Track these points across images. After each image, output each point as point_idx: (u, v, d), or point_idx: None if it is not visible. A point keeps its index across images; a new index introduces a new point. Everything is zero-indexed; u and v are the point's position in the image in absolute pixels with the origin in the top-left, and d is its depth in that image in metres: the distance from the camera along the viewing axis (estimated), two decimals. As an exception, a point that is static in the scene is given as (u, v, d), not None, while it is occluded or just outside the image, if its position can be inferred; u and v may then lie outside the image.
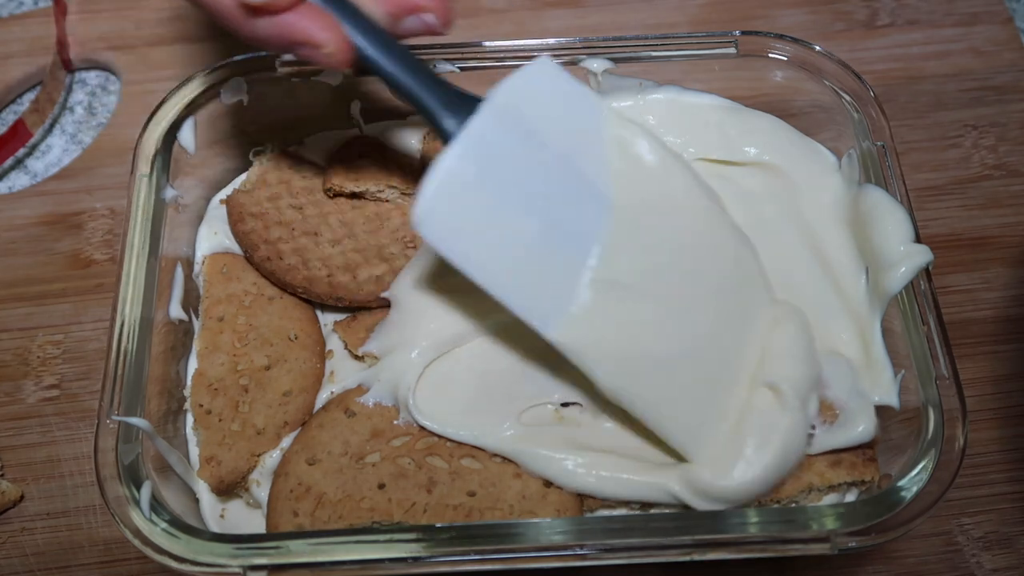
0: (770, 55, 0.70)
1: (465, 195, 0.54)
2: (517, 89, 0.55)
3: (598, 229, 0.57)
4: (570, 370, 0.62)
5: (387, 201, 0.70)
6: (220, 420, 0.62)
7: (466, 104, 0.55)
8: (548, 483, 0.59)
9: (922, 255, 0.60)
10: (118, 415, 0.57)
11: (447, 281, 0.65)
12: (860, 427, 0.59)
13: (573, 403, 0.62)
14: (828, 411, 0.60)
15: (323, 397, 0.64)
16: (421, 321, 0.63)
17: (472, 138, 0.53)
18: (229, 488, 0.62)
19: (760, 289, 0.61)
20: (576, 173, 0.56)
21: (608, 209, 0.57)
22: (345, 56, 0.53)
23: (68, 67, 0.86)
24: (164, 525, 0.55)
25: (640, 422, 0.58)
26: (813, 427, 0.59)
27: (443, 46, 0.69)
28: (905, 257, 0.60)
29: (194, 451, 0.63)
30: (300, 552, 0.54)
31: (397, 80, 0.55)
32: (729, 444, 0.57)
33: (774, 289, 0.63)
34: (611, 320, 0.56)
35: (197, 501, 0.62)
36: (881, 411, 0.61)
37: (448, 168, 0.53)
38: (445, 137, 0.54)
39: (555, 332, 0.56)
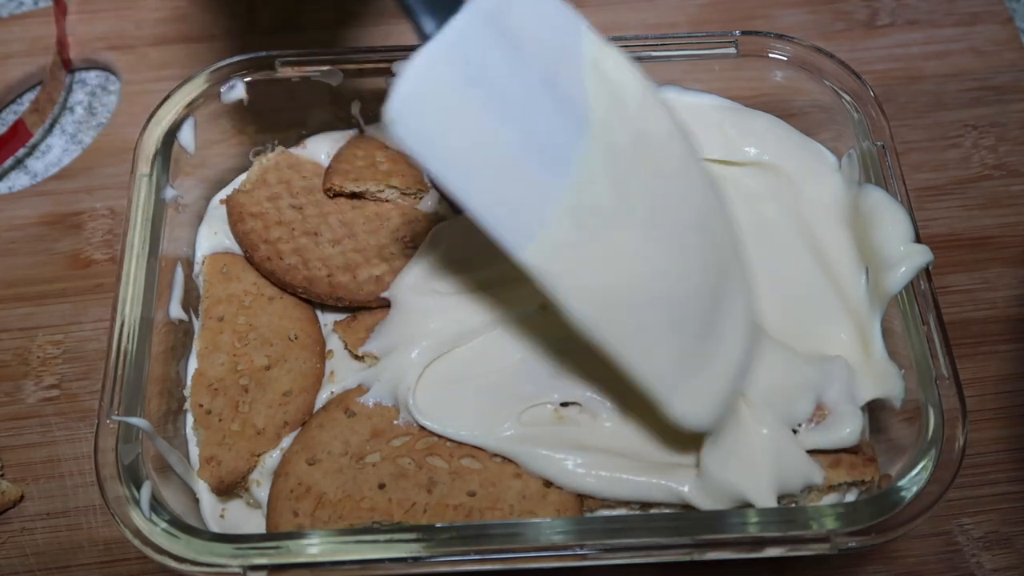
0: (770, 55, 0.70)
1: (442, 96, 0.50)
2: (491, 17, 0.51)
3: (577, 152, 0.53)
4: (570, 370, 0.62)
5: (387, 201, 0.70)
6: (220, 420, 0.62)
7: (449, 4, 0.50)
8: (548, 483, 0.59)
9: (922, 255, 0.60)
10: (118, 415, 0.57)
11: (447, 281, 0.65)
12: (846, 430, 0.59)
13: (573, 403, 0.62)
14: (819, 411, 0.60)
15: (323, 397, 0.64)
16: (421, 321, 0.63)
17: (453, 37, 0.50)
18: (229, 488, 0.62)
19: (731, 243, 0.58)
20: (557, 91, 0.53)
21: (587, 133, 0.53)
22: None
23: (68, 67, 0.86)
24: (164, 525, 0.55)
25: (613, 364, 0.55)
26: (799, 425, 0.60)
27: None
28: (905, 257, 0.60)
29: (194, 451, 0.63)
30: (300, 552, 0.54)
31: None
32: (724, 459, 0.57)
33: (775, 288, 0.64)
34: (586, 247, 0.53)
35: (197, 501, 0.62)
36: (880, 412, 0.61)
37: (426, 65, 0.49)
38: (424, 35, 0.50)
39: (528, 254, 0.53)
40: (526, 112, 0.52)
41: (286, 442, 0.62)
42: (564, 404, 0.62)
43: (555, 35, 0.53)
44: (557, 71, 0.53)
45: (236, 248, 0.69)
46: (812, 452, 0.59)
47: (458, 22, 0.50)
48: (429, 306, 0.63)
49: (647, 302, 0.54)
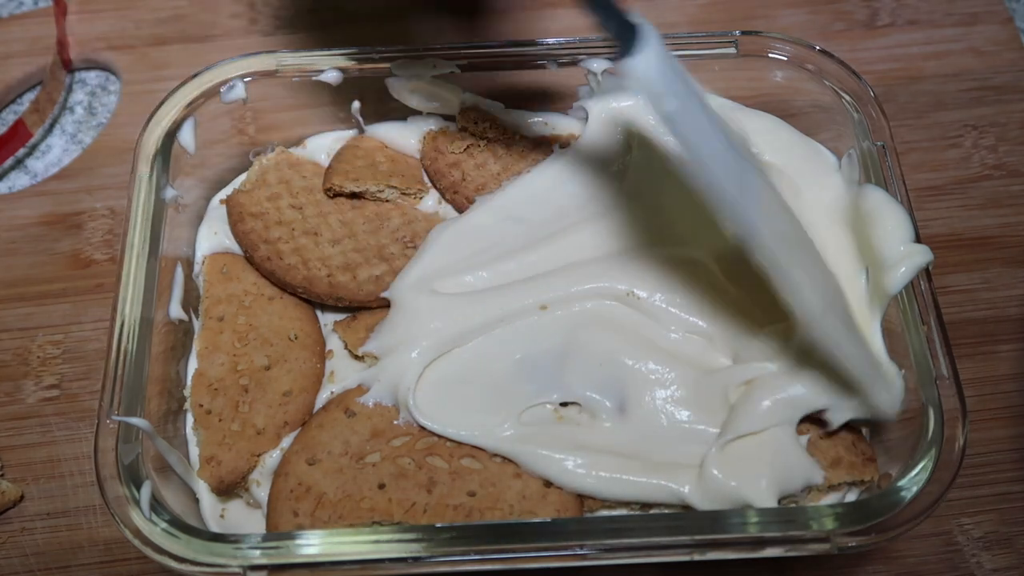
0: (770, 55, 0.70)
1: (672, 76, 0.54)
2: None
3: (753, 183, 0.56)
4: (571, 370, 0.62)
5: (387, 201, 0.70)
6: (220, 420, 0.62)
7: (630, 27, 0.55)
8: (548, 483, 0.59)
9: (922, 255, 0.60)
10: (118, 415, 0.57)
11: (447, 281, 0.65)
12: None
13: (573, 403, 0.62)
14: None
15: (323, 397, 0.64)
16: (421, 321, 0.63)
17: (660, 45, 0.54)
18: (229, 488, 0.62)
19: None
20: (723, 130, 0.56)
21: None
22: None
23: (68, 67, 0.86)
24: (164, 525, 0.55)
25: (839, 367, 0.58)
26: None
27: (443, 46, 0.70)
28: (905, 257, 0.60)
29: (194, 451, 0.63)
30: (300, 552, 0.54)
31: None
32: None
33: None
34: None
35: (197, 501, 0.62)
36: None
37: (656, 50, 0.54)
38: (624, 49, 0.54)
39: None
40: (723, 127, 0.55)
41: (286, 442, 0.62)
42: (564, 404, 0.62)
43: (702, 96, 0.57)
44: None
45: (236, 248, 0.69)
46: (812, 452, 0.59)
47: (656, 39, 0.55)
48: (429, 306, 0.63)
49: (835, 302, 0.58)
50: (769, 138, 0.69)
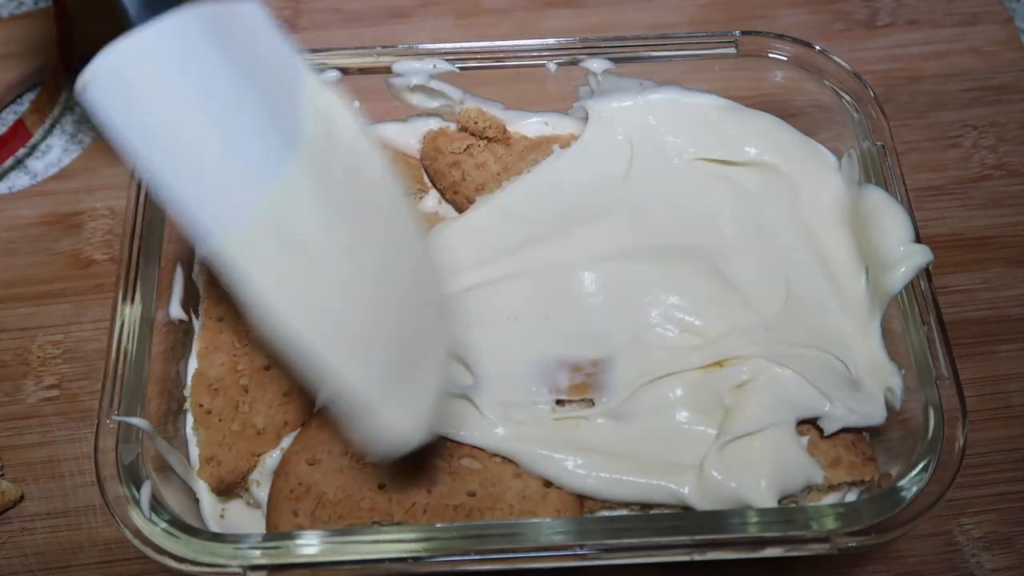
0: (770, 55, 0.70)
1: (150, 76, 0.51)
2: (223, 13, 0.53)
3: (282, 167, 0.53)
4: (569, 367, 0.62)
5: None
6: (220, 420, 0.62)
7: (170, 3, 0.52)
8: (548, 483, 0.59)
9: (922, 255, 0.60)
10: (118, 415, 0.57)
11: (446, 281, 0.65)
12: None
13: (570, 402, 0.62)
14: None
15: (323, 397, 0.64)
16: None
17: (169, 28, 0.51)
18: (229, 488, 0.62)
19: (435, 283, 0.59)
20: (272, 110, 0.54)
21: (295, 154, 0.54)
22: None
23: (68, 67, 0.86)
24: (164, 525, 0.55)
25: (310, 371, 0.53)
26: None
27: (443, 46, 0.70)
28: (905, 257, 0.60)
29: (194, 451, 0.63)
30: (300, 552, 0.54)
31: None
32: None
33: (775, 289, 0.64)
34: (286, 261, 0.53)
35: (197, 501, 0.62)
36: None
37: (138, 44, 0.50)
38: (132, 21, 0.52)
39: (213, 243, 0.51)
40: (234, 116, 0.53)
41: (286, 442, 0.62)
42: (559, 402, 0.62)
43: (275, 64, 0.56)
44: (274, 94, 0.55)
45: (236, 248, 0.69)
46: (812, 452, 0.59)
47: (176, 17, 0.51)
48: None
49: (340, 316, 0.53)
50: (769, 138, 0.69)
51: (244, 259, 0.52)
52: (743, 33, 0.70)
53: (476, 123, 0.71)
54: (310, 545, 0.54)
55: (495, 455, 0.60)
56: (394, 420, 0.53)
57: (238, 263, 0.51)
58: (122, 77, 0.50)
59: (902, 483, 0.55)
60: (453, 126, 0.72)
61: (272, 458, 0.62)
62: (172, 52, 0.51)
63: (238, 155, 0.53)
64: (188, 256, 0.68)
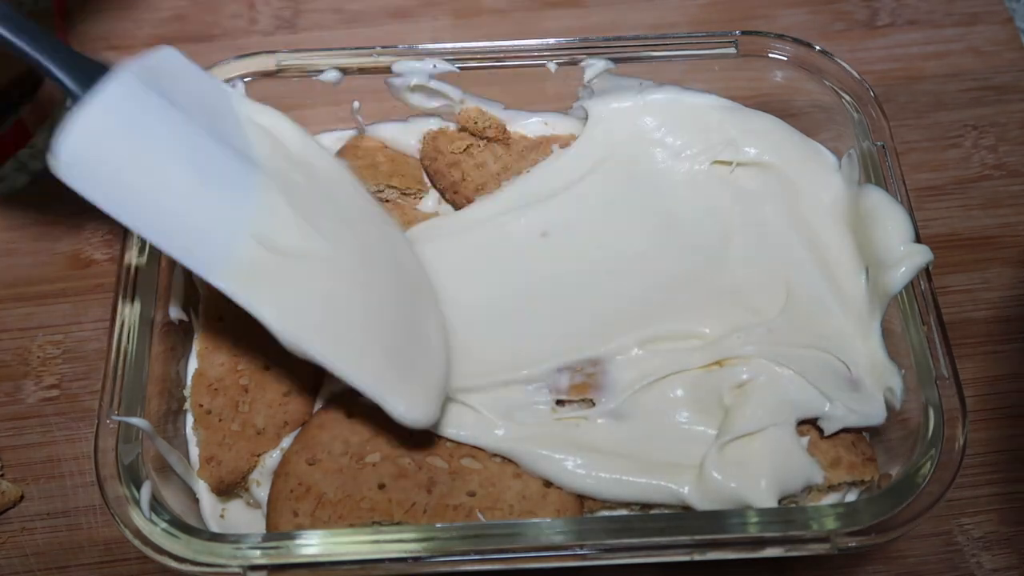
0: (770, 55, 0.70)
1: (110, 142, 0.53)
2: (150, 65, 0.56)
3: (252, 184, 0.57)
4: (566, 365, 0.62)
5: (387, 201, 0.70)
6: (220, 420, 0.62)
7: (97, 69, 0.55)
8: (548, 483, 0.59)
9: (922, 255, 0.60)
10: (118, 415, 0.57)
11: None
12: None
13: (570, 402, 0.62)
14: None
15: (323, 397, 0.64)
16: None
17: (113, 92, 0.54)
18: (229, 488, 0.62)
19: (415, 263, 0.63)
20: (223, 140, 0.57)
21: (258, 170, 0.58)
22: None
23: (68, 67, 0.86)
24: (164, 525, 0.55)
25: (330, 372, 0.57)
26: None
27: (443, 46, 0.70)
28: (905, 257, 0.60)
29: (194, 451, 0.63)
30: (300, 552, 0.54)
31: (17, 47, 0.54)
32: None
33: (775, 289, 0.64)
34: (279, 271, 0.56)
35: (197, 501, 0.62)
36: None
37: (90, 115, 0.53)
38: (75, 95, 0.54)
39: (219, 278, 0.55)
40: (195, 155, 0.56)
41: (286, 442, 0.62)
42: (559, 402, 0.62)
43: (209, 97, 0.60)
44: (219, 124, 0.58)
45: (236, 248, 0.69)
46: (812, 452, 0.59)
47: (114, 83, 0.54)
48: None
49: (346, 316, 0.57)
50: (769, 138, 0.69)
51: (243, 289, 0.55)
52: (743, 33, 0.70)
53: (476, 123, 0.71)
54: (310, 545, 0.54)
55: (495, 455, 0.60)
56: (401, 408, 0.57)
57: (238, 295, 0.55)
58: (87, 157, 0.53)
59: (902, 483, 0.55)
60: (453, 126, 0.72)
61: (272, 458, 0.62)
62: (123, 115, 0.54)
63: (212, 191, 0.56)
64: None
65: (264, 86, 0.70)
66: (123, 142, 0.54)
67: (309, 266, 0.57)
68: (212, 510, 0.62)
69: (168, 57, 0.59)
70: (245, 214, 0.56)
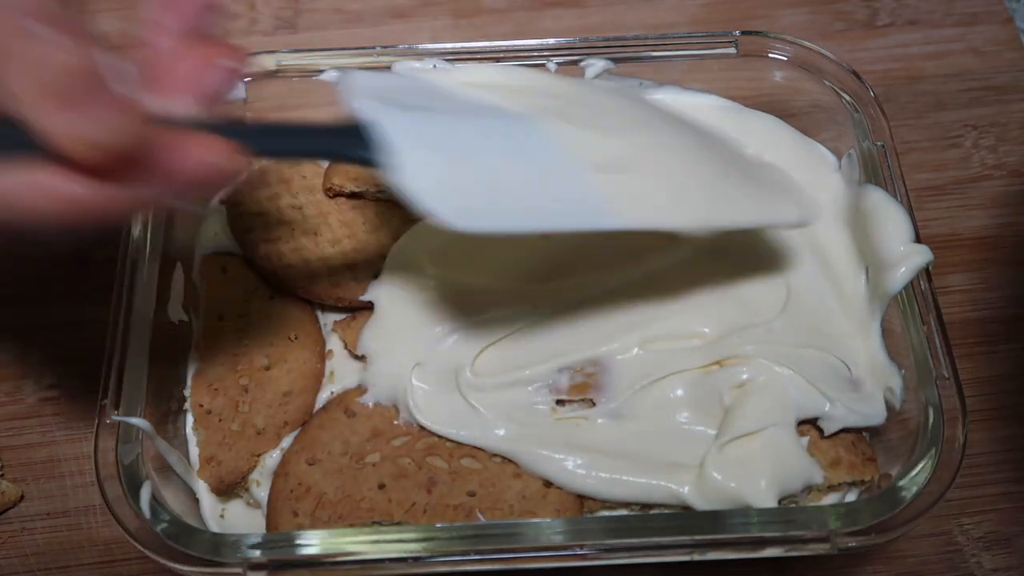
0: (770, 55, 0.70)
1: (452, 172, 0.51)
2: (365, 89, 0.53)
3: (548, 136, 0.54)
4: (562, 363, 0.62)
5: (387, 201, 0.70)
6: (220, 420, 0.62)
7: (352, 130, 0.51)
8: (548, 483, 0.59)
9: (922, 255, 0.60)
10: (118, 415, 0.57)
11: (426, 279, 0.65)
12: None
13: (570, 402, 0.62)
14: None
15: (323, 397, 0.64)
16: (405, 321, 0.63)
17: (395, 132, 0.50)
18: (229, 488, 0.62)
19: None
20: (481, 111, 0.55)
21: (534, 120, 0.55)
22: (243, 161, 0.46)
23: (68, 67, 0.86)
24: (164, 525, 0.55)
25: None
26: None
27: (443, 46, 0.70)
28: (905, 257, 0.60)
29: (194, 451, 0.63)
30: (300, 552, 0.54)
31: (301, 151, 0.52)
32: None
33: (774, 288, 0.64)
34: (631, 179, 0.56)
35: (197, 501, 0.62)
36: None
37: (416, 166, 0.49)
38: (375, 163, 0.50)
39: (619, 220, 0.54)
40: (491, 138, 0.53)
41: (286, 442, 0.62)
42: (559, 402, 0.62)
43: (420, 90, 0.58)
44: (451, 104, 0.56)
45: (236, 248, 0.69)
46: (812, 452, 0.59)
47: (384, 125, 0.50)
48: (410, 305, 0.64)
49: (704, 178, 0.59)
50: (769, 138, 0.69)
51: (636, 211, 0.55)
52: (743, 33, 0.70)
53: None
54: (310, 545, 0.54)
55: (495, 455, 0.60)
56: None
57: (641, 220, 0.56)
58: (457, 199, 0.50)
59: (902, 483, 0.55)
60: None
61: (272, 458, 0.62)
62: (426, 142, 0.51)
63: (534, 160, 0.54)
64: (188, 256, 0.68)
65: (264, 86, 0.70)
66: (456, 165, 0.51)
67: (646, 160, 0.56)
68: (212, 510, 0.62)
69: (358, 78, 0.55)
70: (570, 160, 0.54)
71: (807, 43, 0.70)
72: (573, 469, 0.59)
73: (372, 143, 0.49)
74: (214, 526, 0.61)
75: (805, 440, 0.60)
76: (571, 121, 0.56)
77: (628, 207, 0.55)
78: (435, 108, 0.53)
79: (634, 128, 0.59)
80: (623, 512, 0.59)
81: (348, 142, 0.50)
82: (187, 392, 0.64)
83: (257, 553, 0.53)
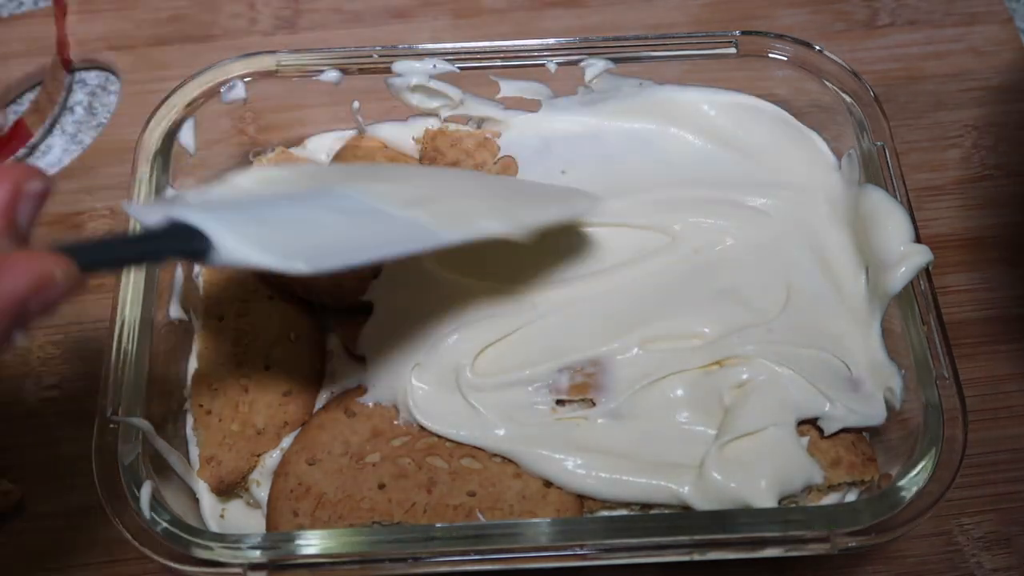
0: (770, 55, 0.70)
1: (279, 236, 0.50)
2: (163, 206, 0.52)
3: (350, 195, 0.55)
4: (561, 363, 0.62)
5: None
6: (220, 420, 0.62)
7: (175, 230, 0.48)
8: (548, 483, 0.59)
9: (922, 255, 0.60)
10: (118, 415, 0.57)
11: (426, 279, 0.65)
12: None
13: (570, 402, 0.62)
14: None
15: (323, 397, 0.64)
16: (405, 321, 0.63)
17: (219, 223, 0.48)
18: (229, 488, 0.62)
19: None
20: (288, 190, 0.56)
21: (344, 183, 0.56)
22: (76, 274, 0.44)
23: (68, 67, 0.86)
24: (164, 525, 0.55)
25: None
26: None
27: (443, 46, 0.70)
28: (905, 257, 0.60)
29: (194, 451, 0.63)
30: (300, 552, 0.54)
31: (135, 257, 0.50)
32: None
33: (774, 289, 0.64)
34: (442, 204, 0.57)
35: (197, 501, 0.62)
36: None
37: (242, 240, 0.48)
38: (204, 252, 0.48)
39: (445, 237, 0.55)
40: (310, 203, 0.54)
41: (286, 442, 0.62)
42: (559, 402, 0.62)
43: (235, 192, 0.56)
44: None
45: (236, 248, 0.69)
46: (812, 452, 0.59)
47: (202, 220, 0.48)
48: (409, 305, 0.64)
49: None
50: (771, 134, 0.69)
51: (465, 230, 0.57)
52: (743, 33, 0.70)
53: (476, 124, 0.71)
54: (310, 545, 0.54)
55: (495, 455, 0.60)
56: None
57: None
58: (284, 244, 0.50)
59: (902, 483, 0.55)
60: (453, 126, 0.72)
61: (272, 458, 0.62)
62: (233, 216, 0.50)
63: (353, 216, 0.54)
64: (188, 256, 0.68)
65: (264, 86, 0.70)
66: (279, 230, 0.50)
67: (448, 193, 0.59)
68: (212, 510, 0.62)
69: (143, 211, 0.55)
70: (383, 203, 0.55)
71: (807, 43, 0.70)
72: (573, 469, 0.59)
73: (196, 236, 0.48)
74: (214, 526, 0.61)
75: (805, 440, 0.60)
76: (374, 179, 0.58)
77: (452, 224, 0.56)
78: (233, 204, 0.53)
79: (429, 175, 0.64)
80: (623, 512, 0.59)
81: (174, 241, 0.48)
82: (187, 392, 0.64)
83: (257, 553, 0.54)
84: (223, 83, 0.69)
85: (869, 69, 0.81)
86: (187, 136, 0.68)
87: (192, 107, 0.68)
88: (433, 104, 0.72)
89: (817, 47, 0.69)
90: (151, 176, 0.66)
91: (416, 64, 0.69)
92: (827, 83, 0.69)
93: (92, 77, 0.88)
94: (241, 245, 0.47)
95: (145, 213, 0.51)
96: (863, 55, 0.84)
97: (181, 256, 0.54)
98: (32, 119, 0.82)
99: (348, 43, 0.83)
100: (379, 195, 0.56)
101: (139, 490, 0.56)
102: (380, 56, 0.70)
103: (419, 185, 0.60)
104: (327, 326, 0.68)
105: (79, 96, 0.87)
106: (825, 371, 0.61)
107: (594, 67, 0.69)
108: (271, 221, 0.51)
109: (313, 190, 0.56)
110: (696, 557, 0.54)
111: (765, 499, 0.56)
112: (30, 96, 0.86)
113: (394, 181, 0.60)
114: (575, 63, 0.70)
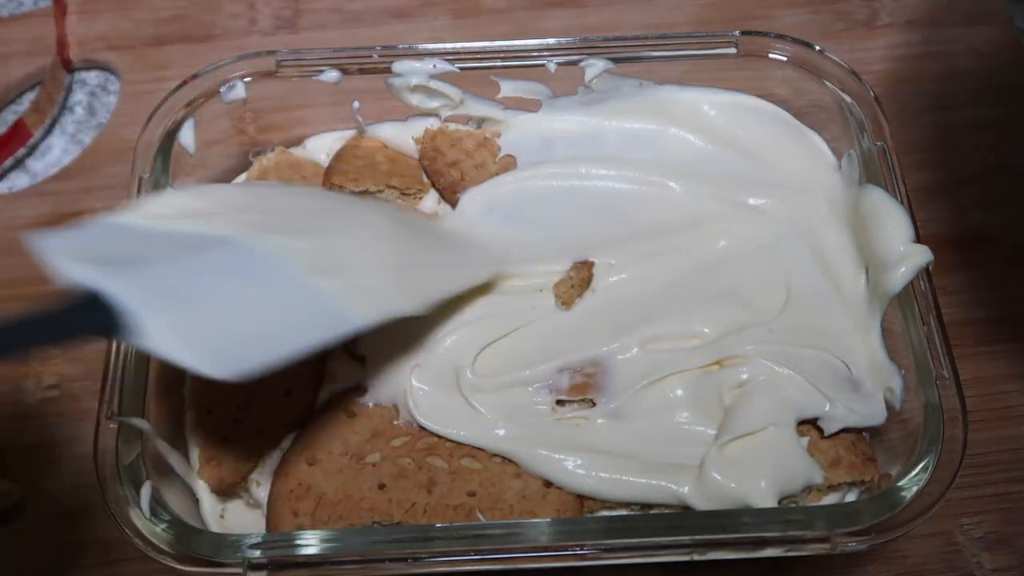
0: (770, 55, 0.70)
1: (197, 325, 0.49)
2: (68, 248, 0.51)
3: (265, 249, 0.54)
4: (560, 364, 0.62)
5: (387, 201, 0.70)
6: (220, 420, 0.62)
7: (82, 306, 0.47)
8: (548, 483, 0.59)
9: (922, 255, 0.60)
10: (118, 415, 0.57)
11: None
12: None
13: (570, 402, 0.62)
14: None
15: (323, 397, 0.64)
16: (405, 322, 0.63)
17: (130, 297, 0.47)
18: (229, 488, 0.62)
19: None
20: (191, 240, 0.53)
21: (248, 237, 0.54)
22: None
23: (68, 67, 0.86)
24: (164, 525, 0.55)
25: None
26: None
27: (443, 46, 0.70)
28: (905, 257, 0.60)
29: (194, 451, 0.63)
30: (300, 552, 0.54)
31: (34, 343, 0.48)
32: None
33: (775, 289, 0.64)
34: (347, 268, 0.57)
35: (197, 501, 0.62)
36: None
37: (161, 326, 0.47)
38: (117, 331, 0.47)
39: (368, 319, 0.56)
40: (224, 275, 0.52)
41: (286, 442, 0.62)
42: (560, 402, 0.62)
43: (122, 233, 0.53)
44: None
45: (236, 248, 0.69)
46: (812, 452, 0.59)
47: (113, 295, 0.47)
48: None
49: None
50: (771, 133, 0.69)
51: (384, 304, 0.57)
52: (743, 33, 0.70)
53: (476, 123, 0.71)
54: (310, 545, 0.54)
55: (495, 455, 0.60)
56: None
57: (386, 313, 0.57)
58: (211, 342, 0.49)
59: (902, 483, 0.55)
60: (453, 126, 0.72)
61: (272, 458, 0.62)
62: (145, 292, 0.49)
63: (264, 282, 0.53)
64: (188, 256, 0.68)
65: (264, 86, 0.70)
66: (197, 314, 0.49)
67: (356, 253, 0.57)
68: (212, 510, 0.62)
69: (53, 241, 0.51)
70: (294, 272, 0.53)
71: (807, 43, 0.70)
72: (573, 469, 0.59)
73: (106, 313, 0.46)
74: (214, 526, 0.61)
75: (805, 440, 0.60)
76: (276, 230, 0.55)
77: (363, 305, 0.55)
78: (151, 255, 0.50)
79: (332, 221, 0.60)
80: (623, 512, 0.59)
81: (81, 320, 0.46)
82: (187, 392, 0.64)
83: (257, 553, 0.54)
84: (223, 83, 0.69)
85: (869, 69, 0.81)
86: (187, 136, 0.68)
87: (192, 107, 0.68)
88: (433, 104, 0.72)
89: (817, 47, 0.69)
90: (151, 176, 0.66)
91: (416, 64, 0.69)
92: (827, 83, 0.69)
93: (92, 77, 0.88)
94: (169, 338, 0.46)
95: (50, 258, 0.47)
96: (863, 55, 0.84)
97: (98, 337, 0.50)
98: (32, 119, 0.82)
99: (348, 43, 0.83)
100: (294, 259, 0.54)
101: (139, 490, 0.56)
102: (380, 56, 0.70)
103: (329, 237, 0.57)
104: (327, 326, 0.67)
105: (79, 96, 0.87)
106: (825, 371, 0.61)
107: (594, 67, 0.69)
108: (198, 303, 0.49)
109: (232, 249, 0.53)
110: (696, 557, 0.54)
111: (765, 499, 0.56)
112: (30, 96, 0.86)
113: (302, 231, 0.57)
114: (575, 63, 0.70)
